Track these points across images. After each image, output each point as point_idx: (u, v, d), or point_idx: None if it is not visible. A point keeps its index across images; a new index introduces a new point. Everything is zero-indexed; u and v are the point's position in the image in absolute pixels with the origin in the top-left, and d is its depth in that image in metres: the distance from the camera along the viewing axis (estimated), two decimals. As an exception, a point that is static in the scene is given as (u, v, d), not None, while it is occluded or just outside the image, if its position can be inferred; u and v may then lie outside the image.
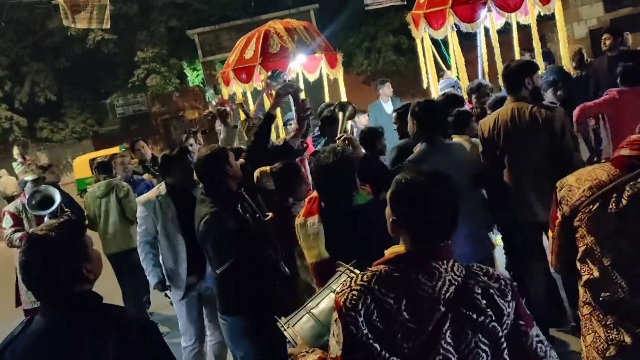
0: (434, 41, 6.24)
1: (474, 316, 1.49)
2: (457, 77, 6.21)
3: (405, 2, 16.35)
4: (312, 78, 7.25)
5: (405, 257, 1.55)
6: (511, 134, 3.39)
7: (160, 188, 3.73)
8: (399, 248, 1.59)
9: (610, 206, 1.87)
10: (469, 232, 3.21)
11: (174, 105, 20.14)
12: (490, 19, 5.67)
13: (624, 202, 1.85)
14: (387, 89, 7.64)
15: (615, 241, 1.88)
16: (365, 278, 1.52)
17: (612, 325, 1.93)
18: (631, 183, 1.86)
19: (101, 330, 1.69)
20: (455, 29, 5.79)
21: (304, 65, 6.99)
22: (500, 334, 1.51)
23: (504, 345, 1.52)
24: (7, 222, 5.19)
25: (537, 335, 1.58)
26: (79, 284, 1.75)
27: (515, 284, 1.62)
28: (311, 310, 1.98)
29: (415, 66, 19.35)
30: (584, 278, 1.99)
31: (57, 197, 4.86)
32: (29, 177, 5.23)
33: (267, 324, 2.97)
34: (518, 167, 3.40)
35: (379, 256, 1.62)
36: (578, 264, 2.02)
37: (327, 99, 7.61)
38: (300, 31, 6.52)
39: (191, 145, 5.62)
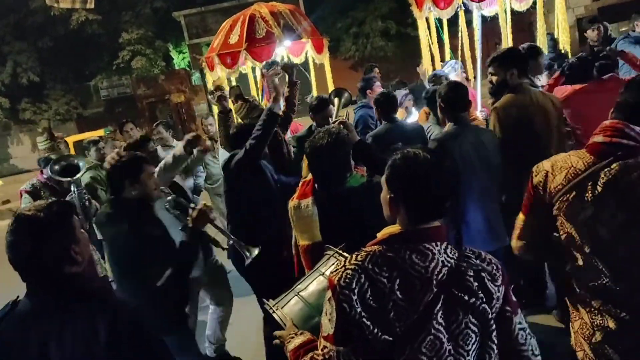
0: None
1: (466, 297, 1.52)
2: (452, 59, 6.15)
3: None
4: (297, 61, 7.18)
5: (399, 237, 1.57)
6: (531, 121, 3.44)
7: None
8: (393, 228, 1.60)
9: (587, 194, 1.89)
10: (495, 217, 3.25)
11: (159, 88, 19.92)
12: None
13: (599, 189, 1.87)
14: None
15: (594, 228, 1.89)
16: (359, 258, 1.54)
17: (596, 311, 1.95)
18: (605, 170, 1.87)
19: (91, 313, 1.67)
20: (463, 8, 5.65)
21: (289, 49, 6.91)
22: (490, 315, 1.54)
23: (493, 327, 1.55)
24: (26, 201, 4.96)
25: (520, 323, 1.61)
26: (68, 265, 1.73)
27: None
28: (300, 293, 1.97)
29: (403, 52, 19.39)
30: (568, 265, 2.01)
31: (82, 167, 4.68)
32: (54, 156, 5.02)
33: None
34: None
35: (371, 239, 1.64)
36: (562, 252, 2.04)
37: (313, 83, 7.58)
38: (286, 15, 6.44)
39: (159, 133, 5.59)
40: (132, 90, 20.05)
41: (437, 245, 1.55)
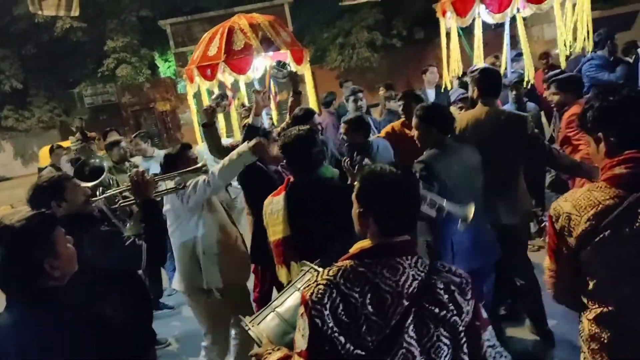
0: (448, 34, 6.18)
1: (436, 310, 1.54)
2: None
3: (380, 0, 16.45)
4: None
5: (370, 251, 1.60)
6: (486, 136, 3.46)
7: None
8: (364, 243, 1.63)
9: (625, 230, 1.78)
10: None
11: (144, 96, 19.80)
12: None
13: (633, 225, 1.77)
14: (430, 75, 7.03)
15: (637, 266, 1.79)
16: (331, 273, 1.56)
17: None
18: (638, 204, 1.78)
19: (68, 326, 1.68)
20: (479, 16, 5.72)
21: (272, 58, 6.87)
22: (460, 328, 1.57)
23: (464, 339, 1.57)
24: None
25: (489, 340, 1.69)
26: (42, 279, 1.72)
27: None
28: (276, 309, 1.98)
29: (388, 62, 19.45)
30: (596, 312, 1.89)
31: (105, 168, 4.46)
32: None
33: None
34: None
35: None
36: (586, 299, 1.93)
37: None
38: (265, 27, 6.42)
39: (138, 144, 5.53)
40: (117, 98, 19.91)
41: (407, 259, 1.57)
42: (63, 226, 2.64)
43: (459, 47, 5.96)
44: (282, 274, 2.85)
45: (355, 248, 1.64)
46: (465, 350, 1.58)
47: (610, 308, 1.85)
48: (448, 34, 5.92)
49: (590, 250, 1.83)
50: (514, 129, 3.51)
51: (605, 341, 1.87)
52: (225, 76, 6.19)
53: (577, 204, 1.86)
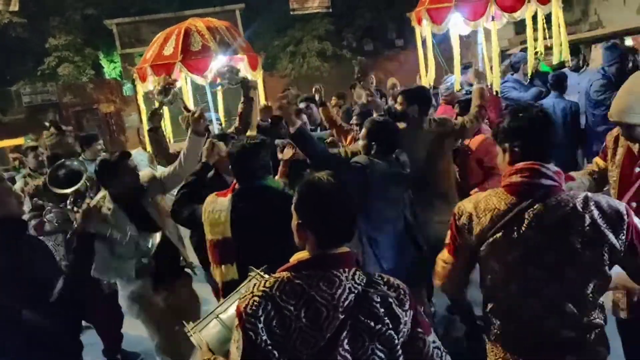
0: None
1: (372, 324, 1.55)
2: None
3: (331, 10, 16.66)
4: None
5: (308, 263, 1.60)
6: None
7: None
8: (302, 254, 1.64)
9: (513, 234, 1.96)
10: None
11: (87, 97, 19.15)
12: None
13: (524, 229, 1.95)
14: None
15: (523, 268, 1.97)
16: (267, 284, 1.56)
17: (517, 348, 2.04)
18: (528, 210, 1.96)
19: None
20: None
21: (228, 61, 6.83)
22: (397, 341, 1.58)
23: (400, 352, 1.59)
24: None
25: (434, 342, 1.67)
26: None
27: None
28: (219, 315, 1.97)
29: (338, 72, 19.77)
30: (490, 305, 2.09)
31: (84, 172, 4.19)
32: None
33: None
34: None
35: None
36: (483, 291, 2.13)
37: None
38: (222, 30, 6.41)
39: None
40: (58, 97, 19.16)
41: (344, 272, 1.58)
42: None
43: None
44: (216, 273, 2.86)
45: (293, 259, 1.64)
46: None
47: (501, 302, 2.05)
48: (424, 43, 6.06)
49: (486, 249, 2.01)
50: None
51: (498, 332, 2.06)
52: (182, 77, 6.11)
53: (477, 206, 2.06)
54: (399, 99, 3.98)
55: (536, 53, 5.79)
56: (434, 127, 3.87)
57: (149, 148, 6.58)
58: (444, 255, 2.20)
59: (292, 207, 1.69)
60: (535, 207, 1.96)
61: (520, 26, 16.40)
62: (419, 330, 1.63)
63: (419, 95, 3.99)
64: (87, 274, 3.01)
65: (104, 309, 4.26)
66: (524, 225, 1.95)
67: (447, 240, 2.18)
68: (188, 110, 5.08)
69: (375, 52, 19.12)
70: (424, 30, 6.00)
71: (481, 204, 2.05)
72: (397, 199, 3.51)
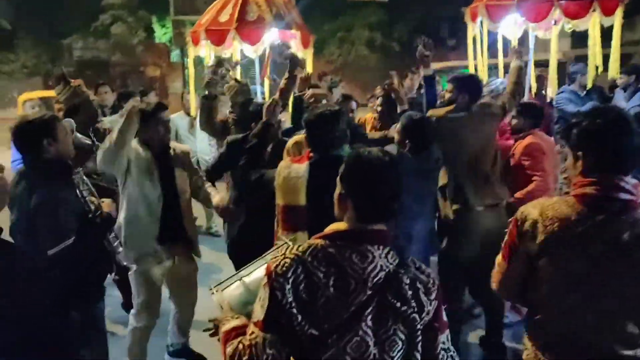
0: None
1: (398, 304, 1.53)
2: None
3: (387, 0, 16.54)
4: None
5: (344, 234, 1.59)
6: None
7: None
8: (339, 225, 1.62)
9: (582, 247, 1.87)
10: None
11: (135, 58, 19.50)
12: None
13: (595, 243, 1.85)
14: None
15: (586, 283, 1.89)
16: (300, 249, 1.56)
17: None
18: (600, 226, 1.86)
19: None
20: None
21: (280, 35, 6.83)
22: (419, 326, 1.56)
23: (419, 338, 1.57)
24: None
25: (444, 343, 1.64)
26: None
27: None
28: (243, 278, 1.98)
29: (386, 64, 19.64)
30: (542, 315, 2.01)
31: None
32: None
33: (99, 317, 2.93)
34: None
35: None
36: (534, 302, 2.04)
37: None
38: (278, 4, 6.42)
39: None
40: (107, 55, 19.56)
41: (378, 249, 1.56)
42: (48, 169, 2.65)
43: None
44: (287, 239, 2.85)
45: (329, 229, 1.63)
46: (419, 349, 1.58)
47: (554, 313, 1.96)
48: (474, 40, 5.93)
49: (548, 259, 1.92)
50: None
51: (547, 342, 1.98)
52: (235, 45, 6.15)
53: (544, 213, 1.94)
54: (449, 86, 3.92)
55: (596, 66, 5.62)
56: (481, 111, 3.81)
57: (192, 113, 6.68)
58: (499, 259, 2.12)
59: (338, 177, 1.68)
60: (609, 222, 1.85)
61: (577, 39, 16.04)
62: (436, 324, 1.62)
63: (470, 84, 3.90)
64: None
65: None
66: (596, 239, 1.85)
67: (504, 244, 2.09)
68: (237, 82, 5.09)
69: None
70: (476, 27, 5.88)
71: (548, 212, 1.94)
72: (425, 196, 3.49)
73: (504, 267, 2.09)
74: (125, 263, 3.00)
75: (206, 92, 4.45)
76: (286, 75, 4.40)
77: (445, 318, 1.67)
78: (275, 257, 1.57)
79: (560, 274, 1.92)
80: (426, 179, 3.44)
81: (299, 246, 1.57)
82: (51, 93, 13.70)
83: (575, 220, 1.88)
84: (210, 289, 1.97)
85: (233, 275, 2.03)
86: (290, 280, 1.50)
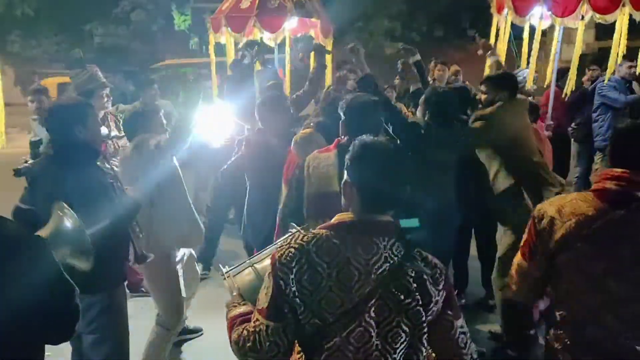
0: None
1: (402, 297, 1.53)
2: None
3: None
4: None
5: (348, 225, 1.59)
6: None
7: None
8: (345, 215, 1.62)
9: (601, 244, 1.84)
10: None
11: (155, 46, 19.60)
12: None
13: (614, 240, 1.83)
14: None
15: (605, 281, 1.85)
16: (305, 239, 1.56)
17: None
18: (621, 221, 1.83)
19: None
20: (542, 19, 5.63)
21: (292, 29, 6.83)
22: (424, 318, 1.55)
23: (425, 330, 1.56)
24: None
25: (462, 327, 1.64)
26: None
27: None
28: (254, 265, 2.00)
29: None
30: (561, 315, 1.97)
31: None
32: None
33: (122, 301, 2.89)
34: None
35: None
36: (554, 298, 2.00)
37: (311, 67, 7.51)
38: (300, -9, 6.40)
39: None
40: (127, 42, 19.69)
41: (383, 240, 1.56)
42: (78, 153, 2.67)
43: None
44: (312, 226, 2.86)
45: (335, 219, 1.63)
46: (424, 341, 1.57)
47: (575, 312, 1.93)
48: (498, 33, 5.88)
49: (567, 256, 1.89)
50: None
51: (568, 342, 1.94)
52: (255, 32, 6.16)
53: (561, 209, 1.92)
54: (484, 86, 3.87)
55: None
56: (521, 106, 3.85)
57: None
58: (518, 258, 2.09)
59: (345, 165, 1.68)
60: (628, 218, 1.83)
61: (601, 32, 15.73)
62: (449, 312, 1.61)
63: (508, 81, 3.88)
64: None
65: None
66: (615, 236, 1.83)
67: (522, 243, 2.07)
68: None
69: (445, 39, 18.72)
70: (501, 19, 5.82)
71: (566, 208, 1.91)
72: (447, 166, 3.50)
73: (524, 267, 2.05)
74: (145, 252, 3.01)
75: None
76: (315, 64, 4.43)
77: (457, 303, 1.67)
78: (281, 246, 1.59)
79: (580, 272, 1.89)
80: (449, 151, 3.45)
81: (304, 236, 1.58)
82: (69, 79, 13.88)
83: (592, 215, 1.85)
84: (222, 275, 2.00)
85: (245, 261, 2.06)
86: (294, 270, 1.52)
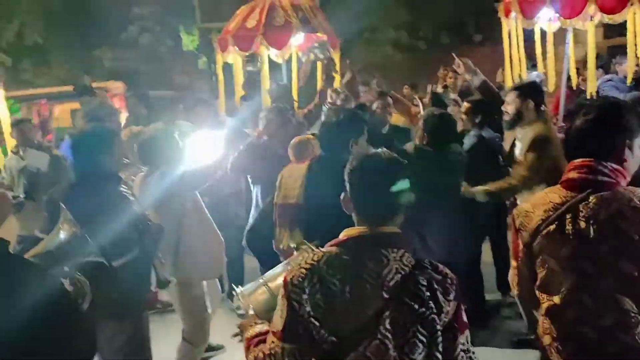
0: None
1: (416, 306, 1.54)
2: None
3: (411, -1, 16.43)
4: (303, 59, 7.10)
5: (356, 240, 1.61)
6: None
7: None
8: (352, 231, 1.64)
9: (567, 227, 1.94)
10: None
11: (164, 67, 19.79)
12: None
13: (579, 222, 1.92)
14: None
15: (576, 262, 1.93)
16: (315, 258, 1.59)
17: (572, 354, 1.97)
18: (583, 203, 1.94)
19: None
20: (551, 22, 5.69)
21: (299, 45, 6.88)
22: (438, 326, 1.56)
23: (440, 339, 1.57)
24: None
25: (463, 344, 1.63)
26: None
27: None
28: (268, 284, 2.02)
29: (412, 63, 19.61)
30: (545, 306, 2.03)
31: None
32: None
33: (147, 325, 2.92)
34: None
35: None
36: (537, 292, 2.07)
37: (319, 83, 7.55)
38: (305, 9, 6.48)
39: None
40: (137, 65, 19.93)
41: (392, 252, 1.57)
42: (103, 181, 2.65)
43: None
44: (283, 237, 2.90)
45: (343, 234, 1.64)
46: (441, 349, 1.57)
47: (555, 301, 1.99)
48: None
49: (539, 243, 1.98)
50: None
51: (555, 335, 1.99)
52: (262, 50, 6.21)
53: (534, 202, 2.09)
54: (510, 96, 3.77)
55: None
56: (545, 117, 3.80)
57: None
58: (512, 260, 2.19)
59: (344, 179, 1.71)
60: (589, 199, 1.94)
61: (610, 30, 15.62)
62: (455, 325, 1.61)
63: (535, 90, 3.81)
64: None
65: None
66: (578, 217, 1.94)
67: (511, 244, 2.19)
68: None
69: (451, 46, 18.68)
70: (509, 23, 5.81)
71: (538, 200, 2.07)
72: (447, 188, 3.48)
73: (514, 266, 2.16)
74: (167, 277, 3.03)
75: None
76: (324, 77, 4.53)
77: (465, 318, 1.66)
78: (292, 268, 1.62)
79: (552, 258, 1.98)
80: (449, 172, 3.46)
81: (315, 255, 1.60)
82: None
83: (559, 202, 1.99)
84: (235, 294, 2.02)
85: (258, 280, 2.08)
86: (307, 290, 1.54)
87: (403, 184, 1.59)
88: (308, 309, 1.52)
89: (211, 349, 4.06)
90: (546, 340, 2.04)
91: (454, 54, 4.20)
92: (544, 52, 5.89)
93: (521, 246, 2.07)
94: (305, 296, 1.53)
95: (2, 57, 20.55)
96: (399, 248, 1.59)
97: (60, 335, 1.53)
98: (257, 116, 4.15)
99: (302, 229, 2.81)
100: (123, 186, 2.96)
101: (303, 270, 1.56)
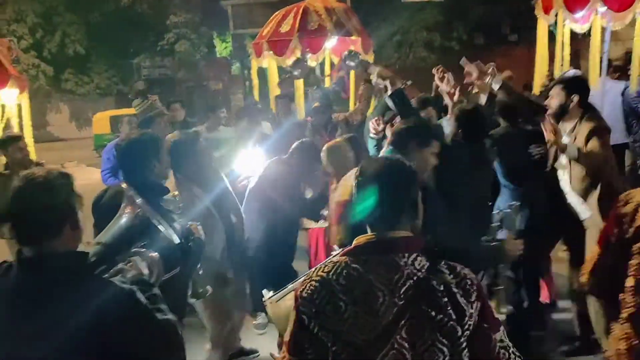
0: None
1: (433, 314, 1.46)
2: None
3: (442, 0, 16.28)
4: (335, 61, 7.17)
5: (365, 247, 1.56)
6: None
7: None
8: (362, 238, 1.59)
9: None
10: None
11: (199, 73, 20.21)
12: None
13: None
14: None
15: None
16: (325, 269, 1.55)
17: None
18: None
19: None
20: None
21: (333, 48, 6.93)
22: (460, 334, 1.47)
23: (463, 346, 1.48)
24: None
25: (502, 341, 1.55)
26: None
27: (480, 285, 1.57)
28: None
29: (445, 64, 19.29)
30: (630, 311, 1.85)
31: None
32: None
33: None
34: None
35: None
36: (626, 295, 1.87)
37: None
38: (338, 12, 6.52)
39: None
40: (173, 72, 20.40)
41: (404, 257, 1.51)
42: (152, 190, 2.45)
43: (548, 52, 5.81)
44: (336, 231, 2.90)
45: (356, 241, 1.59)
46: (466, 358, 1.48)
47: None
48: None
49: None
50: None
51: (634, 343, 1.83)
52: (296, 53, 6.29)
53: None
54: (556, 89, 3.65)
55: None
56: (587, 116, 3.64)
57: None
58: (594, 247, 2.02)
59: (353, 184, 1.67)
60: None
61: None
62: (485, 325, 1.50)
63: (581, 84, 3.68)
64: None
65: None
66: None
67: (601, 230, 2.00)
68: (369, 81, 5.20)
69: (486, 47, 18.45)
70: (548, 19, 5.63)
71: None
72: (478, 184, 3.45)
73: (597, 253, 1.97)
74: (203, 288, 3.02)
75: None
76: (363, 82, 4.53)
77: (494, 315, 1.57)
78: (303, 281, 1.58)
79: None
80: (481, 167, 3.43)
81: (325, 266, 1.56)
82: (121, 111, 14.47)
83: None
84: (265, 300, 2.03)
85: (287, 287, 2.06)
86: (316, 302, 1.50)
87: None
88: (318, 321, 1.48)
89: (245, 353, 4.04)
90: (621, 345, 1.87)
91: (465, 58, 3.98)
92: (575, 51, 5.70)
93: (617, 238, 1.87)
94: (314, 309, 1.49)
95: (44, 67, 21.38)
96: (410, 252, 1.51)
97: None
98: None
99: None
100: (170, 196, 2.76)
101: (313, 283, 1.53)
